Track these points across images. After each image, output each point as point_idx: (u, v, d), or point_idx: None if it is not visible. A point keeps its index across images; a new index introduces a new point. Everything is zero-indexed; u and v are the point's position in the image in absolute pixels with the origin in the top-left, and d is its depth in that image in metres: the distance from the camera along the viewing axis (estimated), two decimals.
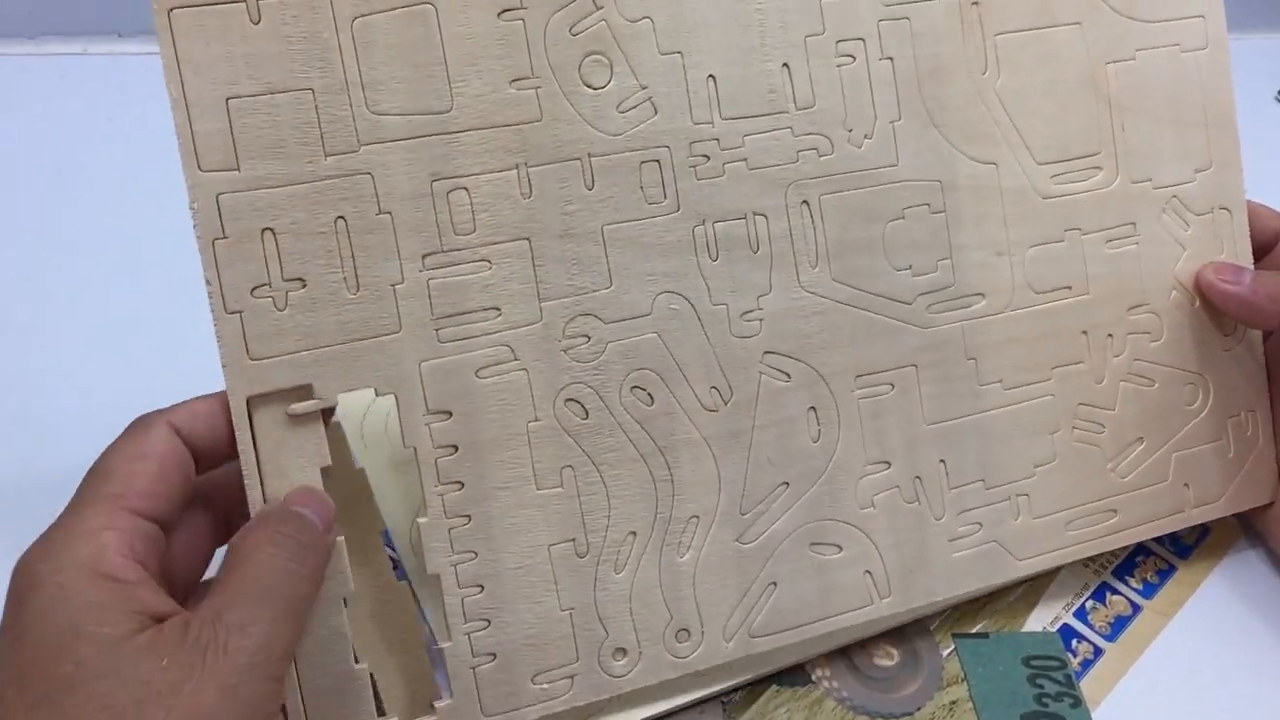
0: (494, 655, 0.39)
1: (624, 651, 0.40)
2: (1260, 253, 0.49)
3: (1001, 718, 0.45)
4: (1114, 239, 0.46)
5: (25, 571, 0.32)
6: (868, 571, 0.43)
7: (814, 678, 0.45)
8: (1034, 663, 0.47)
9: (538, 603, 0.39)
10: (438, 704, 0.38)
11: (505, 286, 0.39)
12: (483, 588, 0.39)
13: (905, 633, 0.47)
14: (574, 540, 0.40)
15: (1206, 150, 0.47)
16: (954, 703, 0.45)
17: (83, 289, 0.58)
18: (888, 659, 0.46)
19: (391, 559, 0.45)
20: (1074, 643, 0.48)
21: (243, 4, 0.36)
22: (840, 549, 0.43)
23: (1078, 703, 0.45)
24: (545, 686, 0.39)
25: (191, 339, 0.54)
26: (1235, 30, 0.47)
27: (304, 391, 0.37)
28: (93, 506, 0.34)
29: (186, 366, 0.47)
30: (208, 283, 0.35)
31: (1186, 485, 0.48)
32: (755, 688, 0.45)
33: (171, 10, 0.35)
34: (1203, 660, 0.48)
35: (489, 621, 0.39)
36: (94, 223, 0.62)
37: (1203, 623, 0.49)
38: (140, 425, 0.36)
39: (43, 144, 0.66)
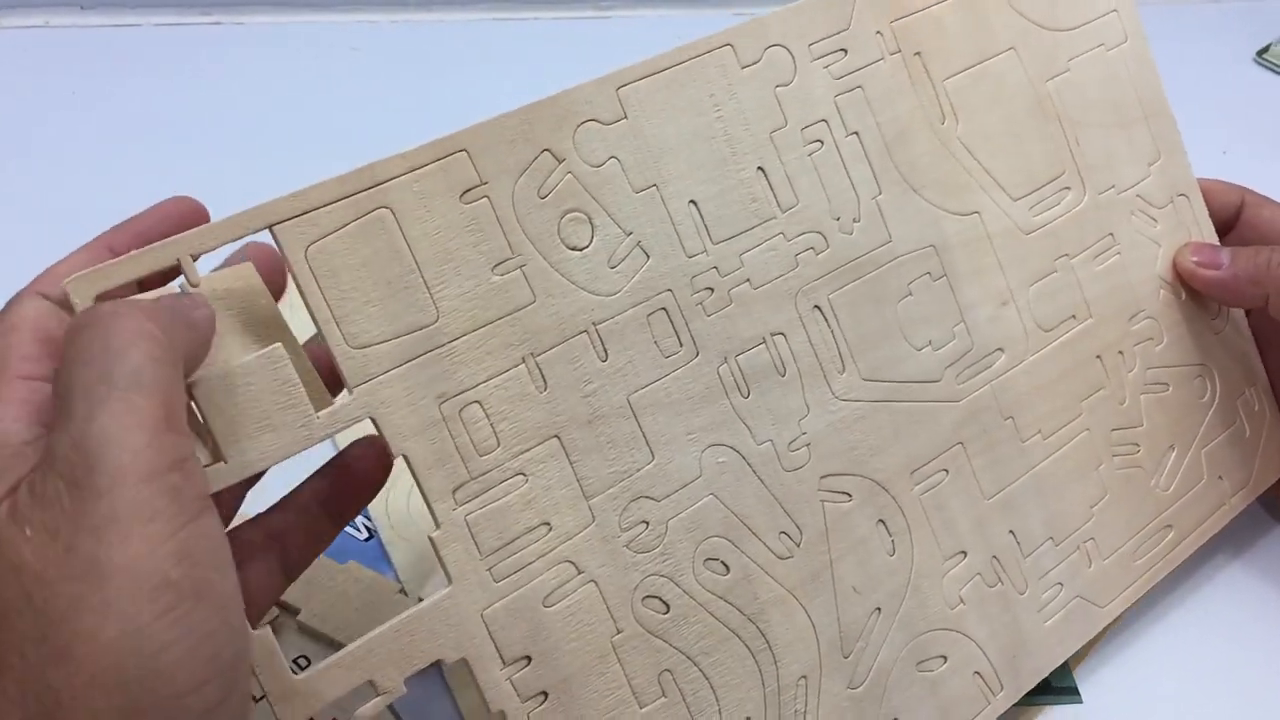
0: None
1: None
2: (1225, 228, 0.48)
3: None
4: (1099, 254, 0.44)
5: None
6: (977, 673, 0.40)
7: None
8: None
9: None
10: None
11: (548, 496, 0.34)
12: None
13: None
14: None
15: (1152, 142, 0.46)
16: None
17: (47, 259, 0.54)
18: None
19: (366, 528, 0.47)
20: None
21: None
22: (945, 659, 0.39)
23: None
24: None
25: None
26: None
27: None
28: None
29: None
30: None
31: (1220, 478, 0.47)
32: None
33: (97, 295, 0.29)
34: (1186, 620, 0.48)
35: None
36: (59, 194, 0.60)
37: (1185, 581, 0.49)
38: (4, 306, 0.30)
39: (5, 117, 0.65)
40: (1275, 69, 0.78)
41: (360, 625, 0.42)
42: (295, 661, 0.43)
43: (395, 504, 0.48)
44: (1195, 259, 0.46)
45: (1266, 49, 0.79)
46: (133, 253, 0.29)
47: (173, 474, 0.25)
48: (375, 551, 0.46)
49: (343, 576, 0.45)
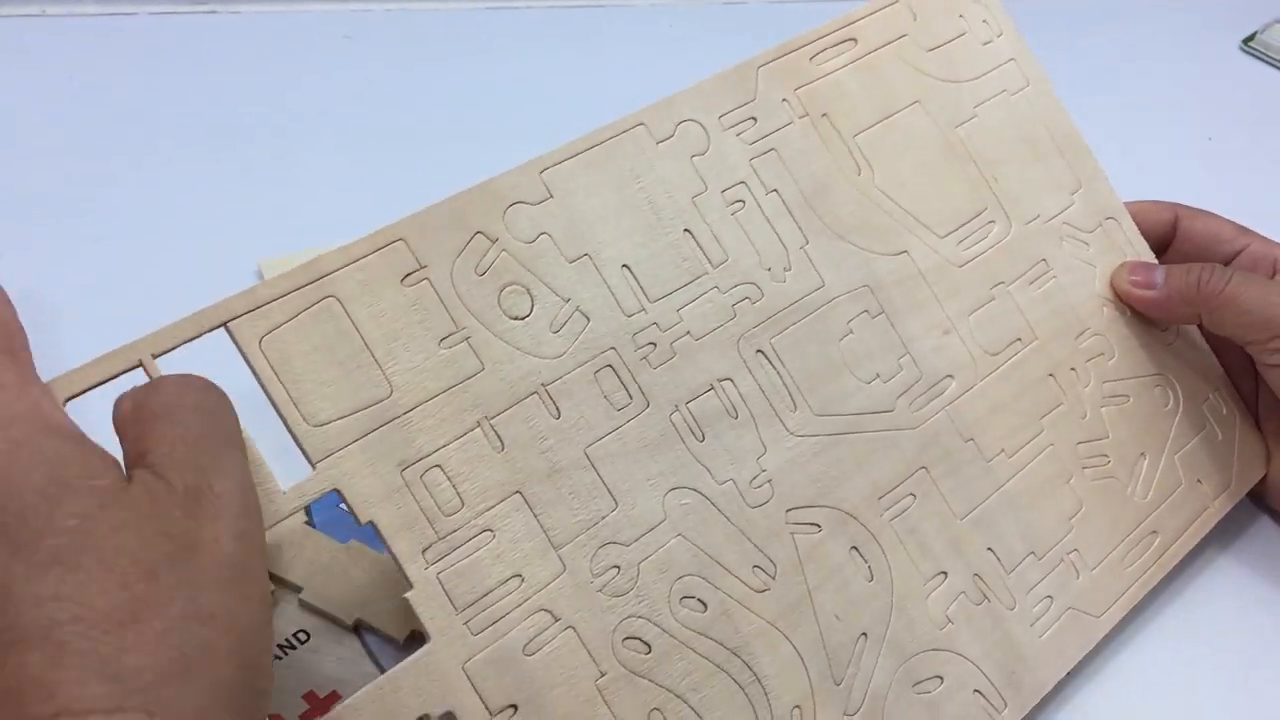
0: None
1: None
2: (1163, 244, 0.50)
3: None
4: (1035, 280, 0.46)
5: None
6: (976, 690, 0.40)
7: None
8: None
9: None
10: None
11: (516, 549, 0.35)
12: None
13: None
14: None
15: (1071, 173, 0.49)
16: None
17: (45, 249, 0.56)
18: None
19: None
20: None
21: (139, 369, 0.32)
22: (942, 679, 0.40)
23: None
24: None
25: (156, 301, 0.51)
26: None
27: None
28: None
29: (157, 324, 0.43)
30: None
31: (1199, 481, 0.48)
32: None
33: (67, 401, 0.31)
34: (1178, 597, 0.48)
35: None
36: (55, 183, 0.60)
37: (1174, 564, 0.48)
38: None
39: (1, 105, 0.65)
40: (1261, 56, 0.79)
41: (364, 605, 0.43)
42: (295, 636, 0.43)
43: None
44: (1131, 278, 0.47)
45: (1252, 36, 0.81)
46: (98, 356, 0.32)
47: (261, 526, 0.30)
48: None
49: (345, 556, 0.45)
